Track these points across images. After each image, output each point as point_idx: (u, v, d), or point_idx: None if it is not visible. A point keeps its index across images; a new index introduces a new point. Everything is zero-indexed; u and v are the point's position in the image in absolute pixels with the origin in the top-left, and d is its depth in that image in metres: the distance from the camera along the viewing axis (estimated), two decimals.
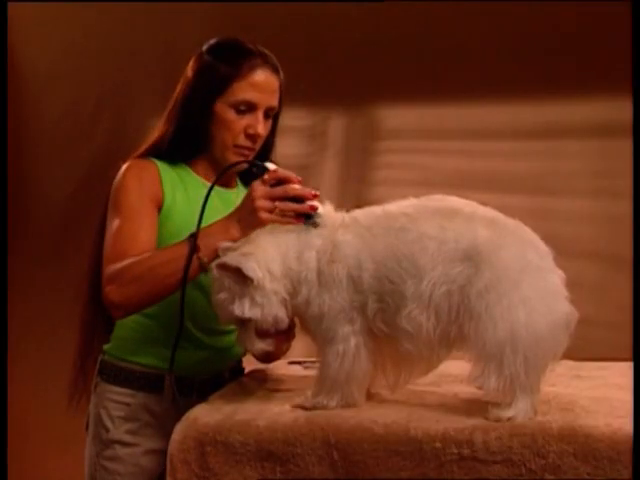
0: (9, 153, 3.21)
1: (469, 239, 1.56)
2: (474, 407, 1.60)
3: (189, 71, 1.86)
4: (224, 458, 1.58)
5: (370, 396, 1.70)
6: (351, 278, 1.60)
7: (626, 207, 2.55)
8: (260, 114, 1.82)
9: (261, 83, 1.81)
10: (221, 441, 1.58)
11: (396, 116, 3.01)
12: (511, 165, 2.89)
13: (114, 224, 1.79)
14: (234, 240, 1.64)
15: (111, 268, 1.72)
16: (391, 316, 1.59)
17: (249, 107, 1.81)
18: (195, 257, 1.64)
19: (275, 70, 1.85)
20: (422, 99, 2.97)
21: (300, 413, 1.61)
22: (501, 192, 2.85)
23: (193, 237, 1.65)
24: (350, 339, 1.60)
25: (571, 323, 1.56)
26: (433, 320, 1.56)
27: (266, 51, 1.87)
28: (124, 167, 1.86)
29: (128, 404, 1.88)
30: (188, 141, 1.87)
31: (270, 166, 1.69)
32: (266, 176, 1.65)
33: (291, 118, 2.88)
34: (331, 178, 3.03)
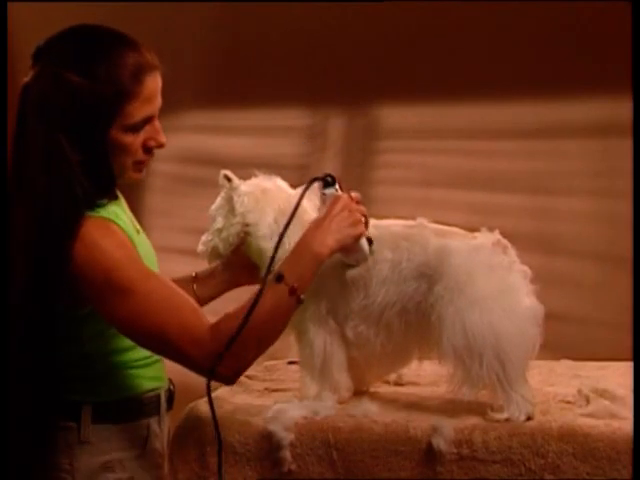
0: (9, 154, 3.21)
1: (420, 256, 1.62)
2: (474, 407, 1.60)
3: (50, 100, 1.48)
4: (223, 458, 1.58)
5: (369, 396, 1.70)
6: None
7: (626, 207, 2.55)
8: (156, 121, 1.57)
9: (153, 91, 1.55)
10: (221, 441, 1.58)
11: (396, 116, 3.00)
12: (511, 165, 2.88)
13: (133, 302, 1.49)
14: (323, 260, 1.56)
15: (206, 345, 1.49)
16: (340, 322, 1.67)
17: (146, 122, 1.55)
18: (295, 298, 1.52)
19: (157, 64, 1.58)
20: (422, 99, 2.96)
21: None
22: (501, 192, 2.84)
23: (280, 277, 1.50)
24: (319, 331, 1.67)
25: (538, 317, 1.59)
26: (382, 336, 1.65)
27: (134, 39, 1.57)
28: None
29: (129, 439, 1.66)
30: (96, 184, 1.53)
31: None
32: (352, 193, 1.62)
33: (291, 118, 2.89)
34: None
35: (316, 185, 1.64)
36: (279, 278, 1.51)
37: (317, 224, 1.57)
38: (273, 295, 1.51)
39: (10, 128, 1.58)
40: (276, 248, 1.55)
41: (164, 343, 1.50)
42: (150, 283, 1.51)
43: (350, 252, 1.62)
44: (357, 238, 1.59)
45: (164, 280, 1.54)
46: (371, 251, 1.62)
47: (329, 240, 1.55)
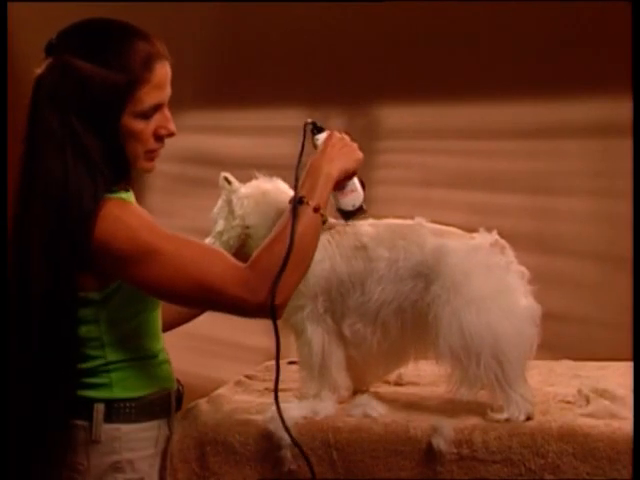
0: (9, 154, 3.21)
1: (416, 255, 1.63)
2: (473, 407, 1.60)
3: (62, 88, 1.52)
4: (223, 458, 1.58)
5: (369, 396, 1.70)
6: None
7: (626, 207, 2.55)
8: (166, 110, 1.60)
9: (163, 78, 1.57)
10: (220, 441, 1.59)
11: (396, 116, 3.00)
12: (511, 165, 2.88)
13: (164, 259, 1.51)
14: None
15: (244, 275, 1.51)
16: (337, 321, 1.69)
17: (156, 109, 1.58)
18: (319, 215, 1.57)
19: (166, 55, 1.61)
20: (422, 99, 2.96)
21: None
22: (501, 192, 2.84)
23: (300, 202, 1.55)
24: (317, 330, 1.69)
25: (535, 317, 1.59)
26: (379, 335, 1.65)
27: (144, 30, 1.61)
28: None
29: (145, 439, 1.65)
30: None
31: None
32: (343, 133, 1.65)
33: (291, 118, 2.88)
34: None
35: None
36: (300, 201, 1.55)
37: (320, 155, 1.61)
38: (301, 217, 1.54)
39: (11, 127, 1.59)
40: (295, 188, 1.56)
41: (209, 291, 1.51)
42: (177, 240, 1.53)
43: (345, 194, 1.65)
44: (359, 162, 1.62)
45: (188, 237, 1.56)
46: (364, 196, 1.65)
47: (335, 164, 1.60)
